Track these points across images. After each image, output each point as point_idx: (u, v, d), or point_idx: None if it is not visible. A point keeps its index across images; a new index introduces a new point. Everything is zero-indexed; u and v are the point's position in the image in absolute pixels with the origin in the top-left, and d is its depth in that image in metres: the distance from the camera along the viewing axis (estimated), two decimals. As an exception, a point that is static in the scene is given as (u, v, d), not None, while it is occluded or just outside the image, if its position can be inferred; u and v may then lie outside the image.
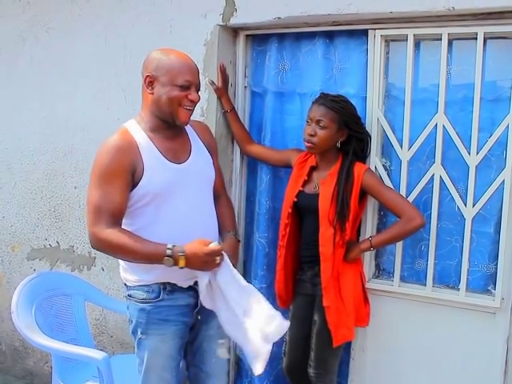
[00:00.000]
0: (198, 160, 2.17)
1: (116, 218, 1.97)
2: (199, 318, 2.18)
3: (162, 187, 2.01)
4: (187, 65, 2.04)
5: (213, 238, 2.10)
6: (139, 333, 2.11)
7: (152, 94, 2.03)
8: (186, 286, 2.12)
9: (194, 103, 2.06)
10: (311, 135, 2.43)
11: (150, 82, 2.02)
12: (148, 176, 1.99)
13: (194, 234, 2.01)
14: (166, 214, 2.03)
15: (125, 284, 2.16)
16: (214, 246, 1.97)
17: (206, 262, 1.94)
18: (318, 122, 2.42)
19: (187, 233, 2.02)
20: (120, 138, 2.01)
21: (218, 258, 1.97)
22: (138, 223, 2.03)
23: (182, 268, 1.92)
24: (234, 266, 2.10)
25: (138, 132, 2.04)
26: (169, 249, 1.91)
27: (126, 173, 1.96)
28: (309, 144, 2.46)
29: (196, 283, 2.09)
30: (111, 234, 1.93)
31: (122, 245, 1.92)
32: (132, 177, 1.97)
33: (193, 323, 2.18)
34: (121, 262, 2.15)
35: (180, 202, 2.05)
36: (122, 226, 2.03)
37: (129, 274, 2.11)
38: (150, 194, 2.00)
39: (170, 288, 2.09)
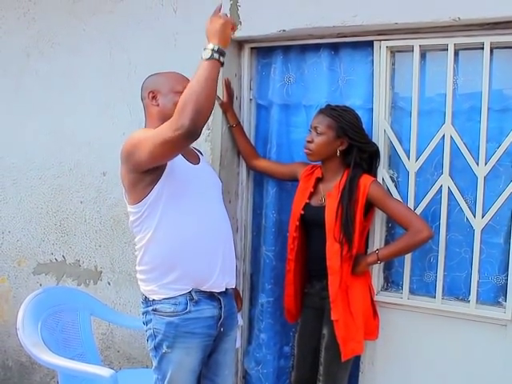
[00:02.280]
0: (207, 166, 2.31)
1: None
2: (222, 330, 2.19)
3: (182, 182, 2.08)
4: (181, 75, 2.21)
5: (231, 233, 2.25)
6: (165, 347, 2.09)
7: (157, 105, 2.17)
8: (217, 291, 2.14)
9: None
10: (309, 142, 2.46)
11: (153, 96, 2.18)
12: (170, 170, 2.04)
13: (217, 226, 2.16)
14: (190, 209, 2.09)
15: (146, 299, 2.14)
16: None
17: (216, 21, 1.97)
18: (315, 128, 2.44)
19: (211, 226, 2.13)
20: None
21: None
22: (163, 221, 2.06)
23: (219, 46, 1.92)
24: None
25: None
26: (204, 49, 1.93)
27: None
28: (306, 150, 2.48)
29: (226, 290, 2.19)
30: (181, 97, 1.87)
31: (188, 90, 1.85)
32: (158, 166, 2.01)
33: (216, 335, 2.18)
34: (142, 276, 2.14)
35: (201, 198, 2.13)
36: (145, 226, 2.08)
37: (155, 285, 2.10)
38: (171, 187, 2.05)
39: (197, 298, 2.10)
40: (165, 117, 2.08)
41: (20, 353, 3.42)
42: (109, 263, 3.13)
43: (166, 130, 1.83)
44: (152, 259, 2.10)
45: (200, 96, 1.82)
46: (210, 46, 1.91)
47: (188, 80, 2.13)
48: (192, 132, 1.80)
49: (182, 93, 2.03)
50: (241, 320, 2.47)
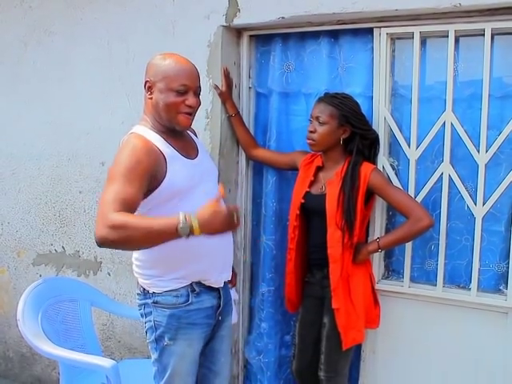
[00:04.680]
0: (205, 157, 2.22)
1: (127, 209, 1.78)
2: (220, 318, 2.19)
3: (185, 182, 2.00)
4: (184, 69, 2.02)
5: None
6: (166, 339, 2.06)
7: (151, 99, 2.03)
8: (216, 286, 2.13)
9: (193, 108, 2.03)
10: (311, 132, 2.43)
11: (149, 87, 2.03)
12: (171, 173, 1.96)
13: None
14: (189, 209, 1.94)
15: (144, 291, 2.11)
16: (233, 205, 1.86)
17: (226, 222, 1.75)
18: (317, 118, 2.42)
19: None
20: (140, 141, 1.95)
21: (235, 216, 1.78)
22: None
23: (198, 235, 1.73)
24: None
25: (151, 134, 2.01)
26: (180, 216, 1.72)
27: (146, 174, 1.89)
28: (309, 141, 2.45)
29: (225, 283, 2.18)
30: (121, 216, 1.73)
31: (134, 225, 1.72)
32: (152, 179, 1.92)
33: (214, 324, 2.18)
34: (140, 270, 2.11)
35: (200, 196, 2.02)
36: None
37: (156, 279, 2.07)
38: (174, 189, 1.96)
39: (198, 290, 2.08)
40: (156, 114, 2.03)
41: (20, 344, 3.42)
42: (109, 254, 3.12)
43: (96, 224, 1.77)
44: (150, 258, 2.06)
45: (140, 246, 1.83)
46: (196, 231, 1.72)
47: (192, 75, 2.02)
48: (104, 246, 1.79)
49: (177, 92, 1.97)
50: (235, 294, 2.46)
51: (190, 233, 1.72)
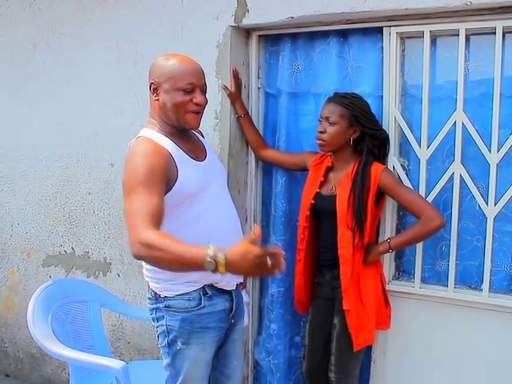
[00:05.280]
0: (213, 159, 2.21)
1: (156, 221, 1.77)
2: (232, 321, 2.17)
3: (195, 185, 1.99)
4: (189, 68, 2.01)
5: (240, 230, 2.16)
6: (179, 343, 2.04)
7: (157, 100, 2.02)
8: (228, 289, 2.11)
9: (201, 106, 2.03)
10: (321, 132, 2.42)
11: (155, 88, 2.02)
12: (182, 176, 1.95)
13: (227, 226, 2.06)
14: (200, 211, 1.99)
15: (155, 295, 2.09)
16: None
17: (256, 267, 1.59)
18: (327, 118, 2.40)
19: (222, 226, 2.03)
20: (149, 145, 1.95)
21: (269, 259, 1.58)
22: (175, 223, 1.95)
23: (222, 274, 1.63)
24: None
25: (160, 137, 2.00)
26: (209, 250, 1.61)
27: (163, 178, 1.88)
28: (319, 141, 2.44)
29: (237, 287, 2.16)
30: (152, 235, 1.69)
31: (164, 248, 1.66)
32: (167, 180, 1.91)
33: (227, 328, 2.16)
34: (151, 274, 2.09)
35: (209, 198, 2.03)
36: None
37: (167, 283, 2.04)
38: (185, 193, 1.95)
39: (210, 293, 2.06)
40: (164, 115, 2.02)
41: (31, 345, 3.43)
42: (118, 255, 3.13)
43: (128, 230, 1.77)
44: None
45: (168, 269, 1.79)
46: (221, 269, 1.60)
47: (197, 73, 2.01)
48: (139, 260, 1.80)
49: (184, 91, 1.96)
50: (246, 296, 2.46)
51: (216, 270, 1.61)
